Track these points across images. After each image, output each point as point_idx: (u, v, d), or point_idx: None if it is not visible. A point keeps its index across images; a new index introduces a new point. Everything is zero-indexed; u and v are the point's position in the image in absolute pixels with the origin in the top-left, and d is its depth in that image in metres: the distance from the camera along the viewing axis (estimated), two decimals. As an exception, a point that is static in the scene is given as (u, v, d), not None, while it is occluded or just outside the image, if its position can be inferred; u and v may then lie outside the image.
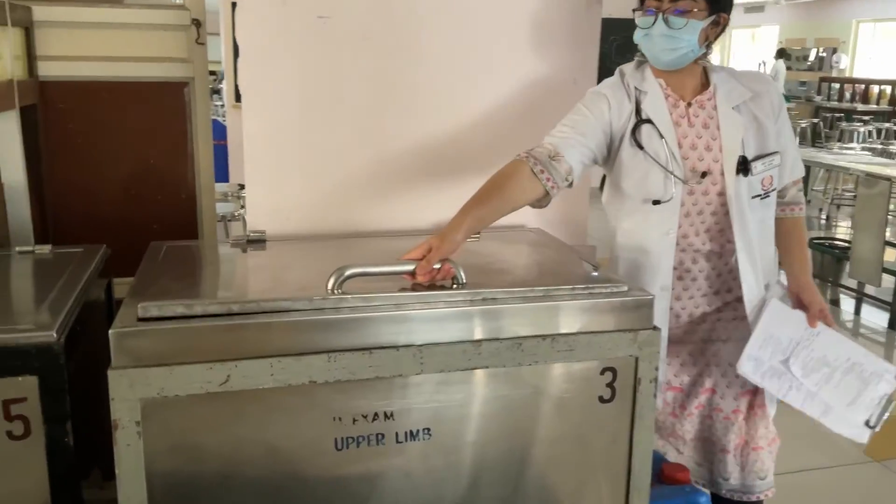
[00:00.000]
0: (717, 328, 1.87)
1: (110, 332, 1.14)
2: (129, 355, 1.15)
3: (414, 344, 1.25)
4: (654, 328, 1.35)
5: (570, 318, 1.32)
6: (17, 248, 1.58)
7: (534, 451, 1.35)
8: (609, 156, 1.78)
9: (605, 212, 1.90)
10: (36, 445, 1.15)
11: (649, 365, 1.35)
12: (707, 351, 1.89)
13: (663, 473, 1.83)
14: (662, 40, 1.67)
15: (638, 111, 1.74)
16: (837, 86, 13.54)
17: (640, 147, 1.72)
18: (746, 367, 1.77)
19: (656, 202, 1.72)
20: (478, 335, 1.28)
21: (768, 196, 1.79)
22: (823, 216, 7.61)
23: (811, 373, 1.77)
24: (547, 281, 1.41)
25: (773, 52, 14.50)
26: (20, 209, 1.83)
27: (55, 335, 1.14)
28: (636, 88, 1.76)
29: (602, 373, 1.35)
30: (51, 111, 2.05)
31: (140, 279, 1.40)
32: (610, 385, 1.35)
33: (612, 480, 1.40)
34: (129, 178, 2.15)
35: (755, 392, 1.86)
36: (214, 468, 1.22)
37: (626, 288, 1.38)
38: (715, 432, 1.89)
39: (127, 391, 1.15)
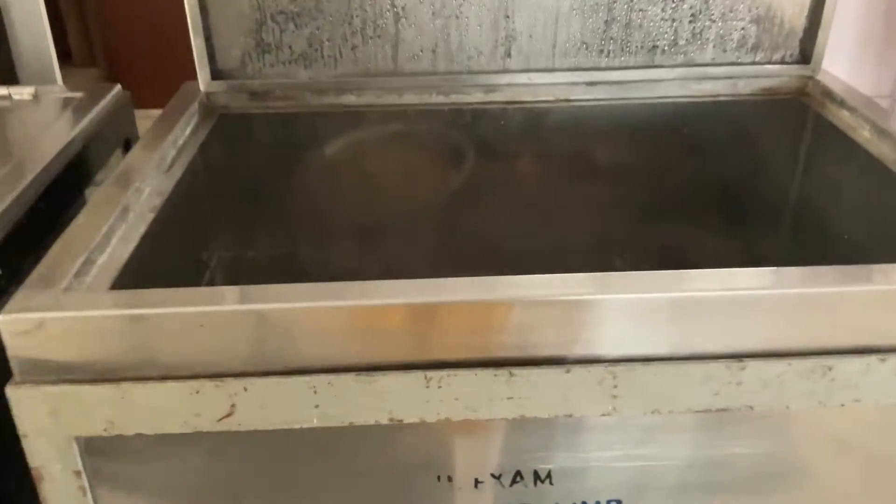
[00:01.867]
0: None
1: (0, 316, 0.58)
2: (44, 361, 0.59)
3: (601, 358, 0.61)
4: None
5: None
6: (-4, 92, 1.04)
7: (815, 547, 0.72)
8: None
9: None
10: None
11: None
12: None
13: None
14: None
15: None
16: None
17: None
18: None
19: None
20: (736, 345, 0.62)
21: None
22: None
23: None
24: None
25: None
26: (30, 29, 1.28)
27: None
28: None
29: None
30: None
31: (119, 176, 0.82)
32: None
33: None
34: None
35: None
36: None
37: None
38: None
39: (47, 423, 0.61)
